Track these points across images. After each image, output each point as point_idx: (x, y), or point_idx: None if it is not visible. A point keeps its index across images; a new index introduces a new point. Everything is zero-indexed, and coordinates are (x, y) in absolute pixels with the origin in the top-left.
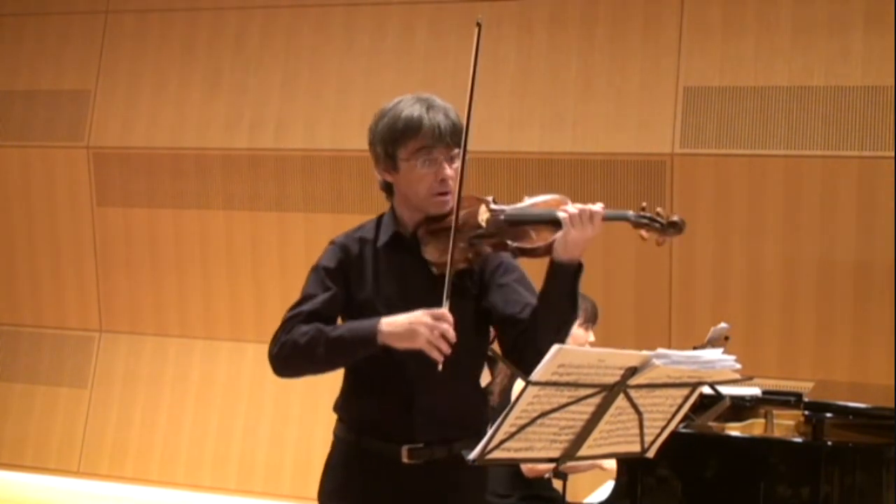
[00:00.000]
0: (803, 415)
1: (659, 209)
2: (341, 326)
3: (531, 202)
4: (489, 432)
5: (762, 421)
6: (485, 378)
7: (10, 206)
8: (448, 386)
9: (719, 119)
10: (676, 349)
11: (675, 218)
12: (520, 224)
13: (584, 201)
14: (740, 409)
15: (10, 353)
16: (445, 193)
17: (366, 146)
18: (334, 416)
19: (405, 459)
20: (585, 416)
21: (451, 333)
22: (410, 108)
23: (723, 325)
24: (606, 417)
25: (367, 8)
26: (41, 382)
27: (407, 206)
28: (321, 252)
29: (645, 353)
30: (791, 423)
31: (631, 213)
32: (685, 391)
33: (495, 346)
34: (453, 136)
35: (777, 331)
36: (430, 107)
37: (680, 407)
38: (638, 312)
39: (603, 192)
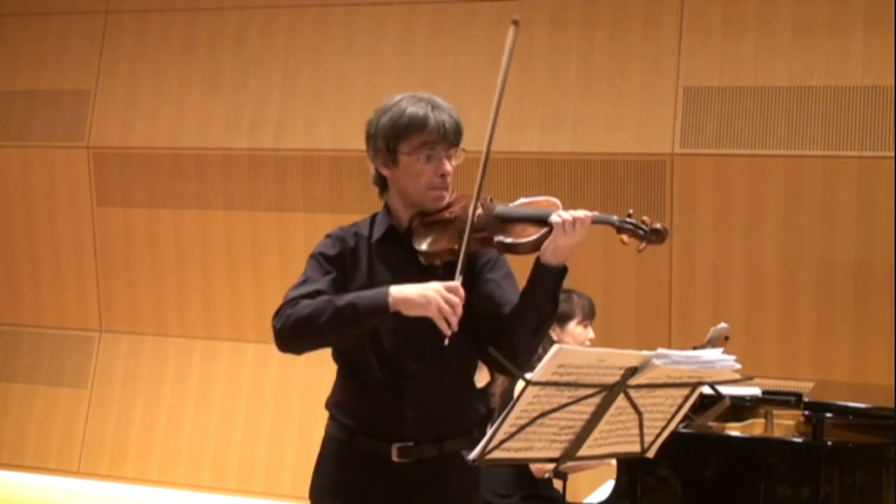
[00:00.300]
0: (803, 415)
1: (645, 217)
2: (349, 294)
3: (523, 202)
4: (489, 432)
5: (762, 421)
6: (485, 379)
7: (10, 206)
8: (438, 384)
9: (719, 119)
10: (676, 349)
11: (657, 226)
12: (509, 221)
13: (584, 201)
14: (740, 409)
15: (10, 353)
16: (443, 189)
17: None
18: None
19: (395, 458)
20: (585, 416)
21: (460, 308)
22: (415, 105)
23: (723, 325)
24: (606, 417)
25: (367, 8)
26: (41, 382)
27: (402, 201)
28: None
29: (645, 353)
30: (791, 423)
31: (615, 217)
32: (685, 391)
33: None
34: (456, 136)
35: (777, 331)
36: (434, 106)
37: (680, 407)
38: (638, 312)
39: (603, 192)
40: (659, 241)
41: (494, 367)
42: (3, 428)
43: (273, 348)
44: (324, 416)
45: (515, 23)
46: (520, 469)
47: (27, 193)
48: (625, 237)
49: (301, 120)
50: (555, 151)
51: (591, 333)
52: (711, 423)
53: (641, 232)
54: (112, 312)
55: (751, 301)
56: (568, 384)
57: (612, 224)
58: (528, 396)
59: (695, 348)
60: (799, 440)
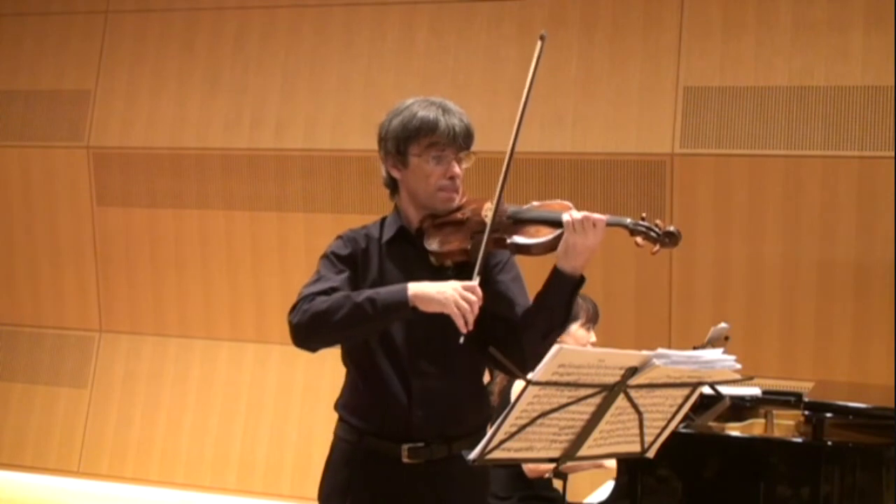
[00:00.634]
0: (803, 415)
1: (658, 220)
2: (367, 290)
3: (535, 205)
4: (489, 432)
5: (762, 421)
6: (484, 379)
7: (10, 206)
8: (448, 384)
9: (719, 119)
10: (676, 349)
11: (671, 228)
12: (522, 223)
13: (584, 201)
14: (740, 409)
15: (10, 353)
16: (452, 191)
17: (366, 146)
18: (334, 416)
19: (405, 459)
20: (585, 416)
21: (477, 307)
22: (426, 109)
23: (723, 325)
24: (606, 417)
25: (367, 8)
26: (41, 382)
27: (412, 203)
28: (324, 247)
29: (645, 353)
30: (791, 423)
31: (629, 220)
32: (685, 391)
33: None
34: (465, 139)
35: (777, 331)
36: (445, 110)
37: (680, 407)
38: (638, 312)
39: (603, 192)
40: (672, 243)
41: (495, 367)
42: (3, 428)
43: (273, 348)
44: (323, 415)
45: (542, 38)
46: (516, 470)
47: (27, 193)
48: (639, 239)
49: (301, 120)
50: (555, 151)
51: (593, 337)
52: (711, 423)
53: (655, 234)
54: (112, 312)
55: (751, 301)
56: (568, 384)
57: (625, 226)
58: (528, 396)
59: (695, 348)
60: (799, 440)
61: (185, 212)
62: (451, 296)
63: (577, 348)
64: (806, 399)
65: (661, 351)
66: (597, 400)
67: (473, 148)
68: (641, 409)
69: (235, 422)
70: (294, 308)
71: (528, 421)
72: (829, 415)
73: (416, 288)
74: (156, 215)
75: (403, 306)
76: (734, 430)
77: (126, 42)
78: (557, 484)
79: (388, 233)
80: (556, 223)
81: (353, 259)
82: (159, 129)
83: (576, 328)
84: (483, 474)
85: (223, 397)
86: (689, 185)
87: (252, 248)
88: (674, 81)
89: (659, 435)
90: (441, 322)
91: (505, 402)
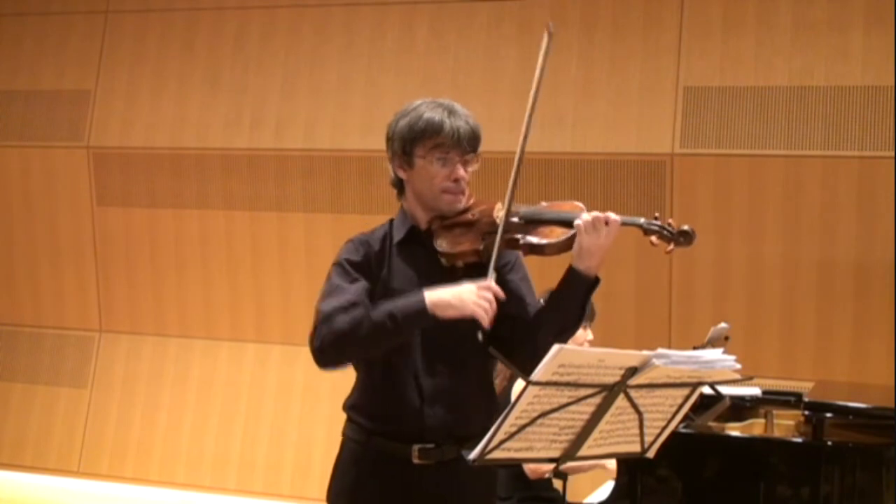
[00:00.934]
0: (803, 415)
1: (670, 220)
2: (385, 304)
3: (546, 205)
4: (489, 432)
5: (762, 421)
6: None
7: (10, 206)
8: (459, 384)
9: (719, 119)
10: (676, 349)
11: (685, 227)
12: (535, 223)
13: (584, 201)
14: (740, 409)
15: (10, 353)
16: (457, 193)
17: (366, 146)
18: (334, 416)
19: (416, 459)
20: (585, 416)
21: (495, 304)
22: (432, 111)
23: (723, 325)
24: (606, 417)
25: (367, 8)
26: (41, 382)
27: (419, 204)
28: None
29: (645, 353)
30: (791, 423)
31: (643, 219)
32: (685, 391)
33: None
34: (470, 142)
35: (777, 331)
36: (451, 112)
37: (680, 407)
38: (638, 312)
39: (603, 192)
40: (687, 242)
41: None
42: (3, 428)
43: (273, 348)
44: (323, 416)
45: (549, 32)
46: (516, 471)
47: (27, 193)
48: (653, 238)
49: (301, 120)
50: (555, 151)
51: (590, 335)
52: (711, 423)
53: (669, 233)
54: (112, 312)
55: (751, 301)
56: (568, 384)
57: (639, 226)
58: (528, 396)
59: (695, 348)
60: (799, 440)
61: (185, 212)
62: (469, 299)
63: (577, 348)
64: (806, 399)
65: (661, 351)
66: (597, 400)
67: (480, 148)
68: (641, 409)
69: (235, 422)
70: (314, 331)
71: (528, 421)
72: (829, 415)
73: (432, 296)
74: (156, 215)
75: (423, 316)
76: (734, 430)
77: (126, 42)
78: (557, 484)
79: (399, 234)
80: (570, 224)
81: (366, 263)
82: (159, 129)
83: None
84: (491, 475)
85: (223, 397)
86: (689, 185)
87: (252, 248)
88: (674, 81)
89: (659, 435)
90: (455, 319)
91: (505, 403)
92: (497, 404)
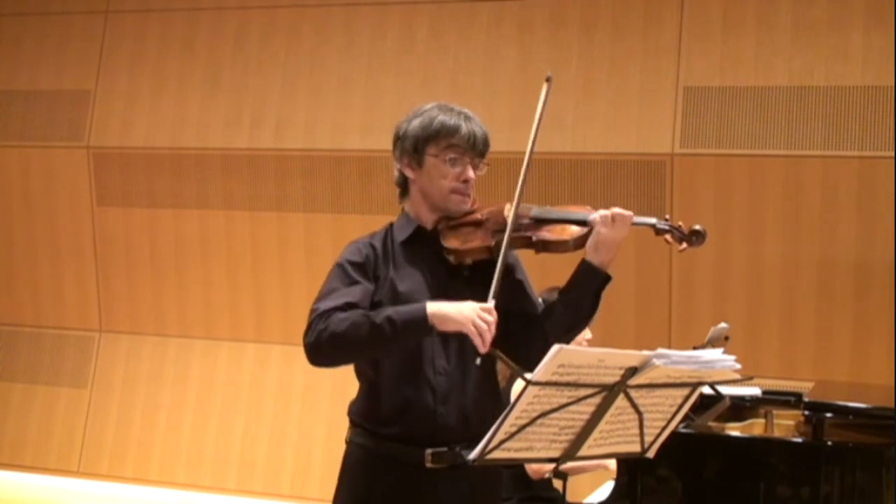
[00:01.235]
0: (803, 415)
1: (680, 222)
2: (386, 310)
3: (556, 207)
4: (489, 432)
5: (762, 421)
6: None
7: (10, 206)
8: (470, 385)
9: (719, 119)
10: (676, 349)
11: (697, 227)
12: (547, 222)
13: (583, 201)
14: (740, 409)
15: (10, 353)
16: (465, 194)
17: (366, 146)
18: (335, 417)
19: (428, 464)
20: (585, 416)
21: (493, 328)
22: (448, 114)
23: (723, 325)
24: (606, 417)
25: (367, 8)
26: (41, 382)
27: (425, 204)
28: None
29: (645, 353)
30: (791, 423)
31: (655, 219)
32: (685, 391)
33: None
34: (483, 147)
35: (777, 331)
36: (467, 117)
37: (680, 407)
38: (638, 312)
39: (603, 192)
40: (699, 241)
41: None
42: (3, 428)
43: (273, 348)
44: (323, 416)
45: (549, 80)
46: (517, 471)
47: (27, 193)
48: (668, 237)
49: (301, 120)
50: (555, 151)
51: (588, 334)
52: (711, 423)
53: (681, 233)
54: (112, 312)
55: (751, 301)
56: (568, 384)
57: (651, 226)
58: (528, 396)
59: (695, 348)
60: (799, 440)
61: (185, 212)
62: (469, 316)
63: (577, 348)
64: (806, 399)
65: (661, 351)
66: (597, 400)
67: None
68: (641, 409)
69: (235, 422)
70: (309, 327)
71: (528, 421)
72: (829, 415)
73: (434, 308)
74: (156, 215)
75: (423, 326)
76: (734, 430)
77: (126, 42)
78: (557, 484)
79: (404, 234)
80: (582, 222)
81: (368, 265)
82: (159, 129)
83: None
84: (498, 476)
85: (223, 397)
86: (689, 185)
87: (252, 248)
88: (674, 81)
89: (659, 435)
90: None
91: (505, 403)
92: (503, 405)
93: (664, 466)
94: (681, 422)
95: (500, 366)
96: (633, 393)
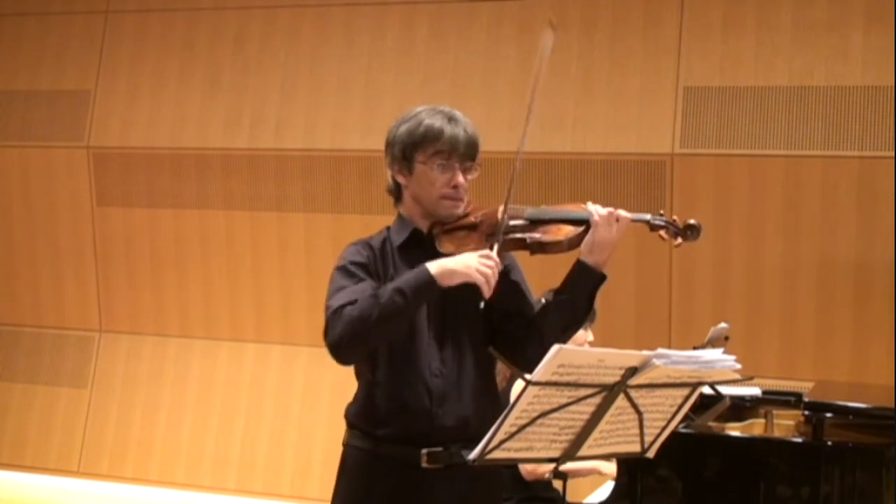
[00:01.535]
0: (803, 415)
1: (675, 217)
2: (389, 284)
3: (550, 207)
4: (489, 432)
5: (762, 421)
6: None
7: (10, 206)
8: (466, 385)
9: (719, 119)
10: (676, 349)
11: (692, 222)
12: (542, 223)
13: (583, 202)
14: (740, 409)
15: (10, 353)
16: (456, 199)
17: (366, 146)
18: (335, 417)
19: (424, 464)
20: (585, 416)
21: (497, 271)
22: (433, 117)
23: (723, 325)
24: (606, 417)
25: (367, 8)
26: (41, 382)
27: (418, 210)
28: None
29: (645, 353)
30: (791, 423)
31: (649, 215)
32: (685, 391)
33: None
34: (469, 149)
35: (777, 331)
36: (451, 119)
37: (680, 407)
38: (638, 312)
39: (603, 192)
40: (694, 236)
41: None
42: (3, 428)
43: (273, 348)
44: (323, 416)
45: (553, 26)
46: (517, 471)
47: (27, 193)
48: (662, 233)
49: (301, 120)
50: (555, 151)
51: (590, 336)
52: (711, 423)
53: (676, 228)
54: (112, 312)
55: (751, 301)
56: (568, 384)
57: (646, 222)
58: (528, 396)
59: (695, 348)
60: (799, 440)
61: (185, 212)
62: (472, 265)
63: (576, 348)
64: (806, 399)
65: (661, 351)
66: (597, 400)
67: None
68: (641, 409)
69: (235, 422)
70: (327, 327)
71: (528, 421)
72: (829, 415)
73: (435, 266)
74: (156, 215)
75: (431, 286)
76: (734, 430)
77: (126, 42)
78: (557, 485)
79: (400, 237)
80: (578, 221)
81: (370, 265)
82: (159, 129)
83: None
84: (497, 475)
85: (223, 397)
86: (689, 185)
87: (252, 248)
88: (674, 81)
89: (659, 435)
90: (457, 321)
91: (505, 403)
92: (501, 406)
93: (664, 466)
94: (681, 422)
95: (499, 366)
96: (633, 393)
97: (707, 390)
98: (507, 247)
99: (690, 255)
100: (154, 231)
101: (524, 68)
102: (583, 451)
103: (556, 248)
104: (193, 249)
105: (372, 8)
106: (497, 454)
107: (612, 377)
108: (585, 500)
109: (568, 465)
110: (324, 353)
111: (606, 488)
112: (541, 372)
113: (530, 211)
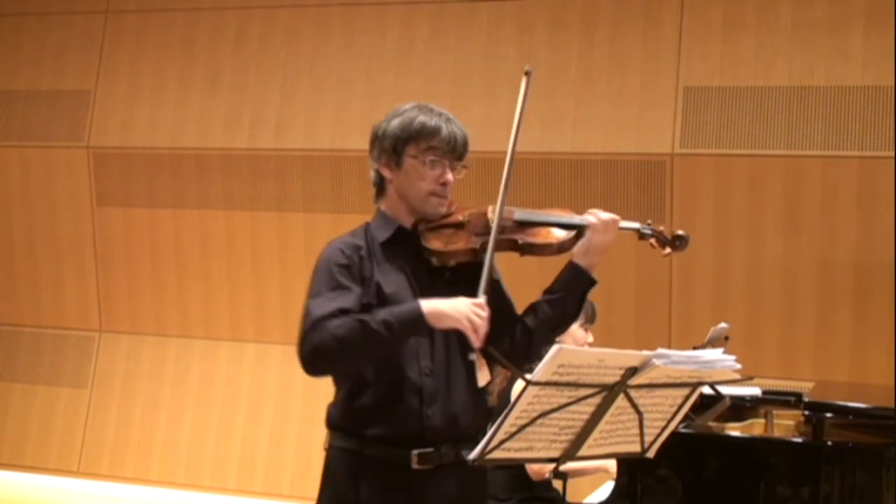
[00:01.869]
0: (803, 415)
1: (661, 227)
2: (380, 312)
3: (538, 210)
4: (489, 432)
5: (762, 421)
6: (485, 378)
7: (10, 206)
8: (455, 385)
9: (719, 119)
10: (676, 349)
11: (680, 232)
12: (532, 225)
13: (584, 201)
14: (740, 409)
15: (10, 353)
16: (443, 197)
17: (366, 146)
18: None
19: (415, 465)
20: (585, 416)
21: (487, 323)
22: (428, 115)
23: (723, 325)
24: (606, 417)
25: (367, 8)
26: (41, 382)
27: (402, 206)
28: (321, 253)
29: (645, 353)
30: (791, 423)
31: (639, 224)
32: (685, 391)
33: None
34: (463, 149)
35: (777, 331)
36: (448, 119)
37: (680, 407)
38: (638, 312)
39: (603, 192)
40: (683, 246)
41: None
42: (3, 428)
43: (273, 348)
44: (323, 415)
45: (528, 73)
46: (516, 471)
47: (27, 193)
48: (653, 241)
49: (301, 120)
50: (555, 151)
51: (590, 338)
52: (711, 423)
53: (664, 238)
54: (112, 312)
55: (751, 301)
56: (568, 384)
57: (635, 230)
58: (528, 396)
59: (695, 348)
60: (799, 440)
61: (185, 212)
62: (464, 312)
63: (576, 348)
64: (806, 399)
65: (661, 351)
66: (597, 400)
67: (476, 147)
68: (641, 409)
69: (235, 422)
70: (303, 337)
71: (528, 421)
72: (829, 415)
73: (429, 306)
74: (156, 215)
75: (420, 324)
76: (734, 430)
77: (126, 42)
78: (557, 484)
79: (384, 234)
80: (568, 226)
81: (353, 267)
82: (159, 129)
83: (575, 328)
84: (484, 475)
85: (223, 397)
86: (689, 185)
87: (252, 248)
88: (674, 81)
89: (659, 435)
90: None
91: (505, 403)
92: (486, 402)
93: (664, 466)
94: (681, 422)
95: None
96: (633, 393)
97: (707, 390)
98: (499, 247)
99: (690, 256)
100: (154, 231)
101: (524, 68)
102: (583, 451)
103: (546, 251)
104: (193, 249)
105: (372, 8)
106: (497, 454)
107: (612, 377)
108: (585, 500)
109: (575, 465)
110: None
111: (606, 488)
112: (541, 372)
113: (519, 213)
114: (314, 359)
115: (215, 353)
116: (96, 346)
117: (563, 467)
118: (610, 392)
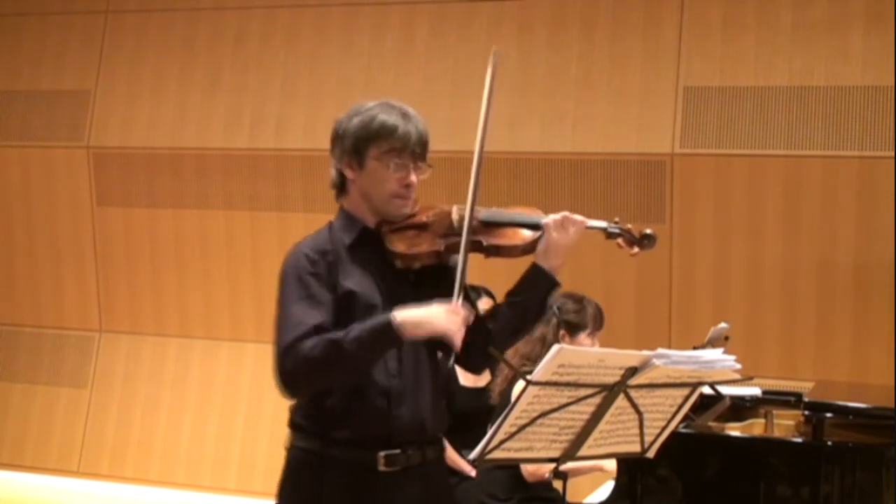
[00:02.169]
0: (803, 415)
1: (629, 225)
2: (352, 330)
3: (501, 209)
4: (489, 432)
5: (762, 421)
6: (484, 378)
7: (10, 206)
8: (422, 386)
9: (719, 119)
10: (676, 349)
11: (647, 231)
12: (497, 226)
13: (584, 201)
14: (740, 409)
15: (10, 353)
16: (406, 198)
17: None
18: None
19: (382, 467)
20: (585, 416)
21: (464, 327)
22: (386, 113)
23: (723, 325)
24: (606, 417)
25: (367, 8)
26: (41, 382)
27: (365, 206)
28: (287, 259)
29: (645, 353)
30: (791, 423)
31: (606, 223)
32: (685, 391)
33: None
34: (421, 147)
35: (777, 331)
36: (405, 115)
37: (680, 407)
38: (638, 312)
39: (603, 192)
40: (650, 245)
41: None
42: (3, 428)
43: (273, 348)
44: None
45: (494, 54)
46: (516, 472)
47: (27, 193)
48: (620, 241)
49: (301, 120)
50: (555, 151)
51: (597, 346)
52: (711, 423)
53: (631, 237)
54: (112, 312)
55: (751, 301)
56: (568, 384)
57: (602, 230)
58: (528, 396)
59: (695, 348)
60: (799, 440)
61: (185, 212)
62: (439, 318)
63: (577, 348)
64: (806, 399)
65: (661, 351)
66: (597, 400)
67: (471, 147)
68: (641, 409)
69: (235, 422)
70: (277, 365)
71: (528, 421)
72: (829, 415)
73: (402, 317)
74: (156, 215)
75: (394, 338)
76: (734, 430)
77: (126, 42)
78: (557, 484)
79: (350, 236)
80: (533, 226)
81: (323, 274)
82: (159, 129)
83: (583, 337)
84: (447, 479)
85: (223, 397)
86: (689, 185)
87: (252, 248)
88: (674, 81)
89: (659, 435)
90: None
91: (505, 403)
92: (447, 408)
93: (664, 466)
94: (681, 422)
95: (500, 366)
96: (633, 393)
97: (707, 390)
98: (466, 251)
99: (690, 256)
100: (154, 231)
101: (524, 68)
102: (583, 451)
103: (511, 253)
104: (193, 249)
105: (372, 8)
106: (497, 454)
107: (613, 377)
108: (585, 500)
109: (572, 464)
110: None
111: (606, 488)
112: (541, 372)
113: (484, 213)
114: (291, 385)
115: (215, 353)
116: (96, 346)
117: (561, 467)
118: (610, 392)
